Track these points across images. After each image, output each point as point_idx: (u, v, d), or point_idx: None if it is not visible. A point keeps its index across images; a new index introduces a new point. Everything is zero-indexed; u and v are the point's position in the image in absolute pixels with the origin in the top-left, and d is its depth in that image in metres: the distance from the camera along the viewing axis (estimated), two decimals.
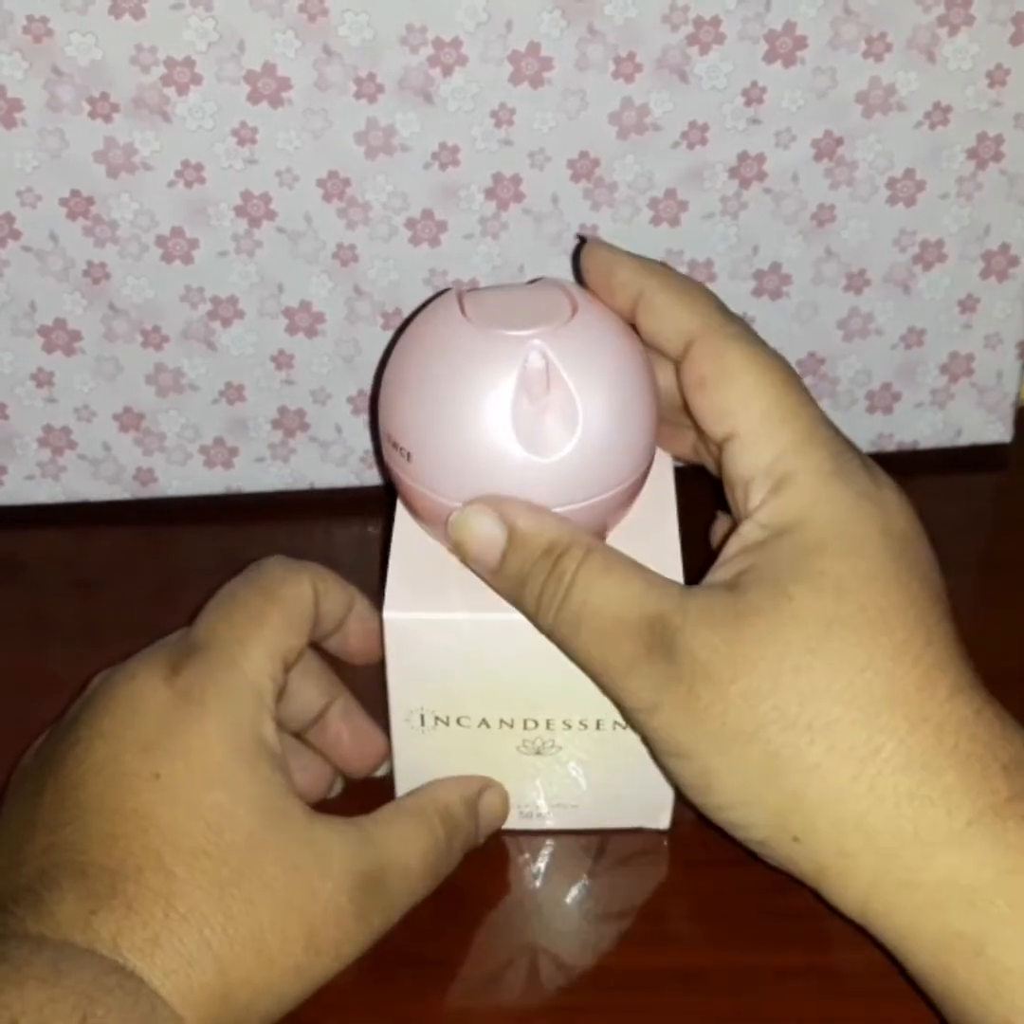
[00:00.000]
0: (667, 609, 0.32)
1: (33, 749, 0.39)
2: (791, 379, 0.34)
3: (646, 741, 0.34)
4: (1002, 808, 0.30)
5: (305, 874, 0.34)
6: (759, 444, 0.33)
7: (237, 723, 0.35)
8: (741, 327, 0.35)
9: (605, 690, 0.33)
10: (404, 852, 0.36)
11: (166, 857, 0.33)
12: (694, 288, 0.36)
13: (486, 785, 0.39)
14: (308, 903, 0.34)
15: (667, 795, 0.40)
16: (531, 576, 0.34)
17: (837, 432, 0.34)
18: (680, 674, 0.31)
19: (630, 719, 0.33)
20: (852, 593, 0.31)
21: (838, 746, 0.30)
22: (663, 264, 0.37)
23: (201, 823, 0.33)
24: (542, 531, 0.34)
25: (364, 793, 0.41)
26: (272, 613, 0.37)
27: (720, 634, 0.31)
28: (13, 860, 0.34)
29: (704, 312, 0.35)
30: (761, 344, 0.34)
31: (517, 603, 0.35)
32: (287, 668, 0.37)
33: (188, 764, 0.34)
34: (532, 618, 0.34)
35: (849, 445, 0.34)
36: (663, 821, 0.41)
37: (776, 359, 0.34)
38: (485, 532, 0.34)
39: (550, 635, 0.34)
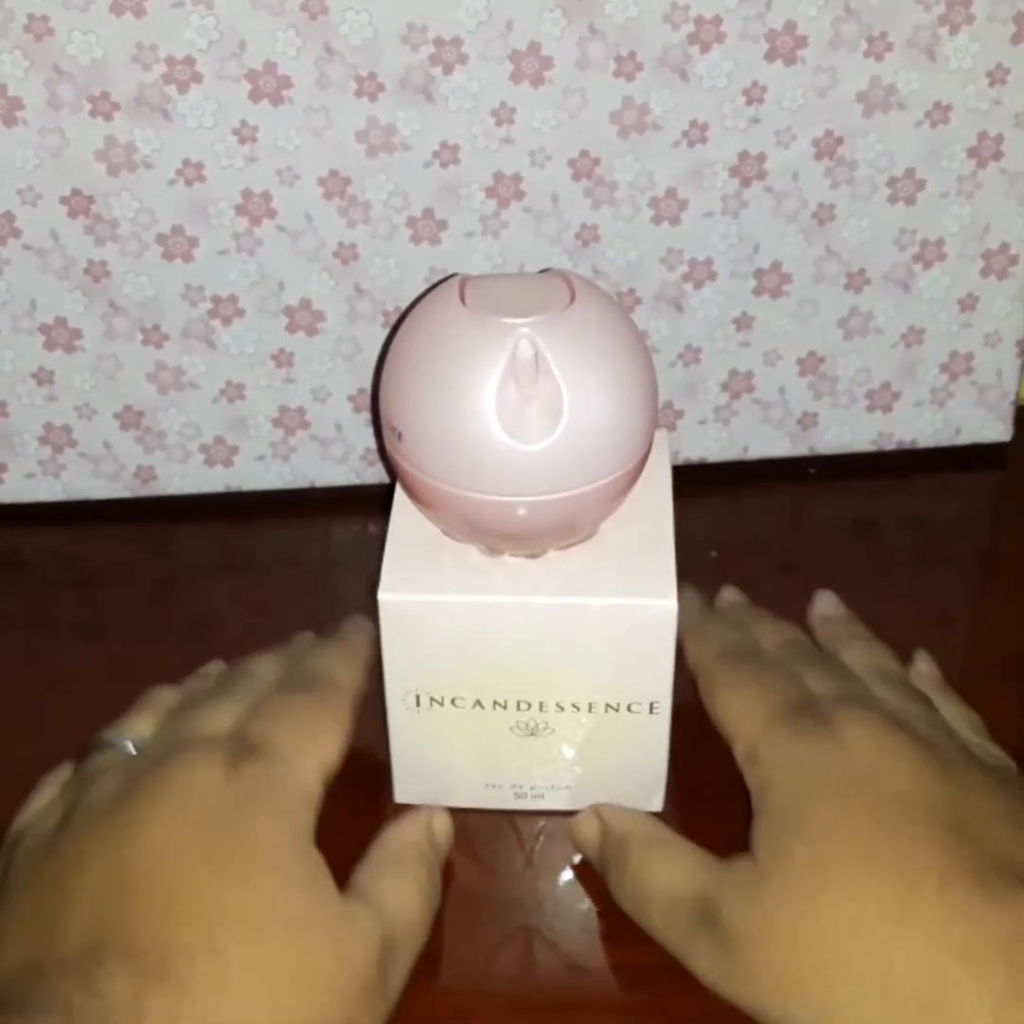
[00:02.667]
0: (710, 887, 0.36)
1: (37, 815, 0.38)
2: (760, 674, 0.40)
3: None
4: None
5: (349, 950, 0.34)
6: (738, 740, 0.39)
7: (290, 821, 0.36)
8: (725, 659, 0.42)
9: (681, 961, 0.36)
10: (403, 904, 0.37)
11: (218, 938, 0.33)
12: (702, 630, 0.43)
13: (431, 812, 0.40)
14: (348, 984, 0.34)
15: (660, 777, 0.41)
16: (609, 864, 0.38)
17: (805, 693, 0.39)
18: (727, 946, 0.35)
19: (706, 984, 0.36)
20: (834, 833, 0.35)
21: (852, 970, 0.33)
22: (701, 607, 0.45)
23: (253, 903, 0.34)
24: (617, 825, 0.39)
25: (365, 791, 0.41)
26: (326, 726, 0.39)
27: (748, 902, 0.35)
28: (49, 929, 0.34)
29: (709, 654, 0.42)
30: (742, 665, 0.41)
31: (608, 885, 0.39)
32: (330, 776, 0.39)
33: (242, 848, 0.35)
34: (616, 900, 0.38)
35: (815, 700, 0.39)
36: (656, 803, 0.41)
37: (749, 668, 0.41)
38: (589, 834, 0.40)
39: (630, 914, 0.38)
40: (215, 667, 0.45)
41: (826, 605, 0.47)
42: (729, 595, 0.48)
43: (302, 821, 0.36)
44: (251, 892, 0.34)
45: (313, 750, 0.38)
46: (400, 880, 0.37)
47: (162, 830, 0.35)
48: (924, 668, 0.44)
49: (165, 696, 0.42)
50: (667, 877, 0.37)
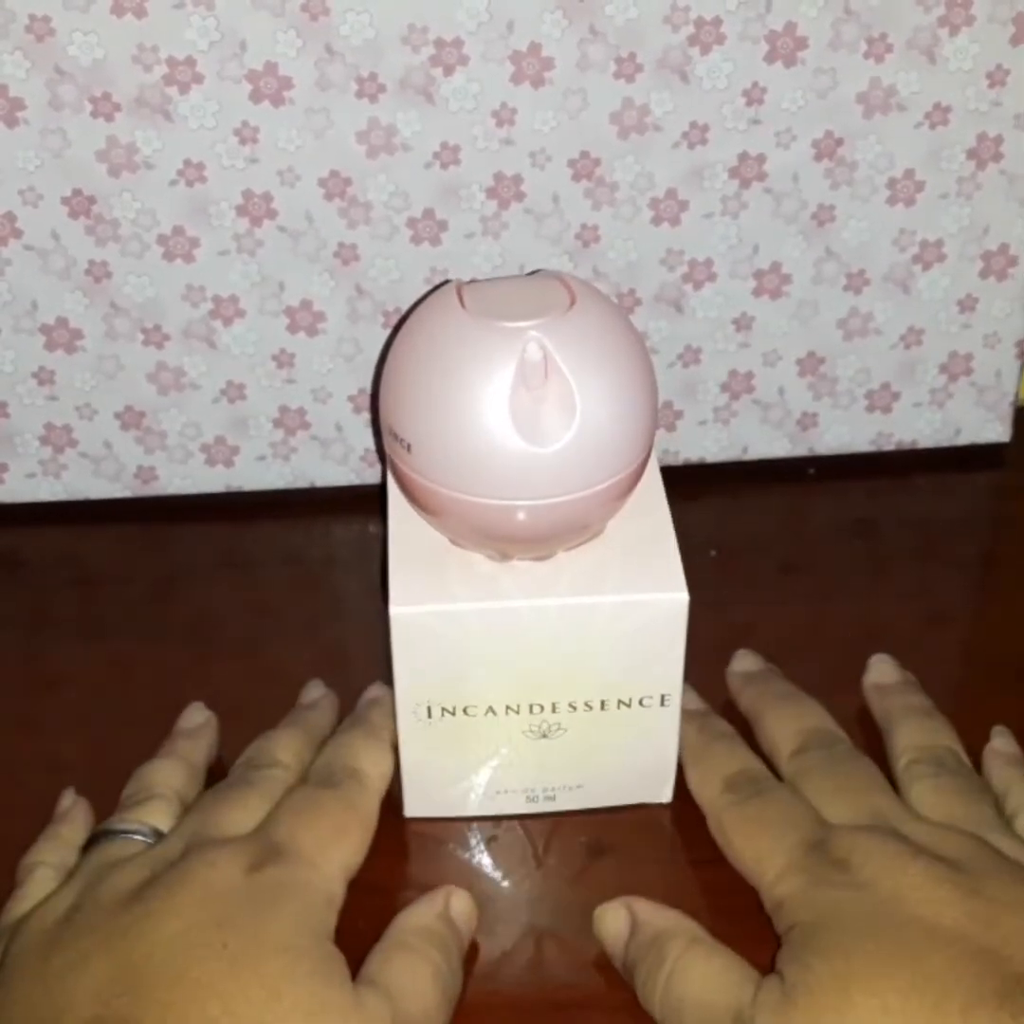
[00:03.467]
0: (745, 1001, 0.34)
1: (38, 904, 0.37)
2: (770, 812, 0.39)
3: None
4: None
5: None
6: (759, 890, 0.38)
7: (311, 922, 0.35)
8: (731, 796, 0.40)
9: None
10: (416, 989, 0.35)
11: None
12: (708, 760, 0.42)
13: (449, 892, 0.38)
14: None
15: (669, 769, 0.41)
16: (639, 960, 0.37)
17: (818, 826, 0.38)
18: None
19: None
20: (856, 953, 0.34)
21: None
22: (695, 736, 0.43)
23: (263, 989, 0.33)
24: (652, 921, 0.37)
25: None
26: (352, 828, 0.39)
27: (776, 1020, 0.34)
28: None
29: (714, 789, 0.41)
30: (749, 803, 0.40)
31: (632, 985, 0.37)
32: (353, 876, 0.38)
33: (257, 937, 0.34)
34: (640, 998, 0.36)
35: (830, 833, 0.38)
36: (666, 795, 0.42)
37: (757, 806, 0.39)
38: (615, 926, 0.38)
39: (656, 1015, 0.36)
40: (197, 715, 0.44)
41: (881, 673, 0.45)
42: (740, 665, 0.46)
43: (323, 922, 0.36)
44: (260, 980, 0.33)
45: (337, 853, 0.38)
46: (410, 964, 0.36)
47: (175, 925, 0.34)
48: (1000, 746, 0.42)
49: (169, 780, 0.41)
50: (705, 983, 0.35)
